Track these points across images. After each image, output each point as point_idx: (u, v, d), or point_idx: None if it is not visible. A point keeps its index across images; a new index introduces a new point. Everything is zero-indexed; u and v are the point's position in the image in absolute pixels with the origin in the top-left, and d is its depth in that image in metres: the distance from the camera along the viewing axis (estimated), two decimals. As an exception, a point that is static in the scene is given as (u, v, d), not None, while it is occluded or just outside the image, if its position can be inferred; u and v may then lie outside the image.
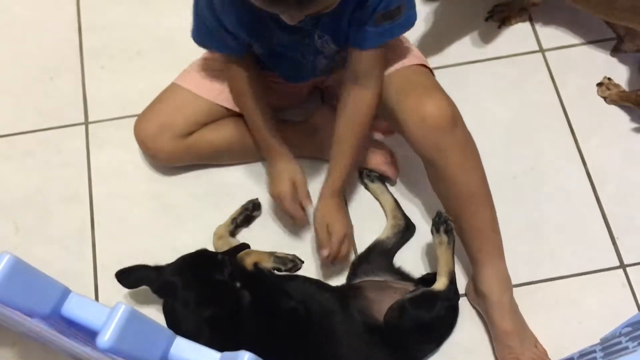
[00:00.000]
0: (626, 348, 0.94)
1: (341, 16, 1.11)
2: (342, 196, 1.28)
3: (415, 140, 1.16)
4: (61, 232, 1.34)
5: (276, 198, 1.27)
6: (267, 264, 1.16)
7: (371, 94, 1.19)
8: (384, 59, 1.21)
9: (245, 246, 1.22)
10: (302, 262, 1.20)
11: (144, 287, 1.20)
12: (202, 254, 1.21)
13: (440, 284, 1.18)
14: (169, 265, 1.18)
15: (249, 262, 1.16)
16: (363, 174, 1.38)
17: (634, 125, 1.45)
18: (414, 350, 1.20)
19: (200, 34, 1.20)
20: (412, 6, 1.16)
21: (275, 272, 1.17)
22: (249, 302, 1.12)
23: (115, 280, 1.24)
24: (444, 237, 1.17)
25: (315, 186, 1.32)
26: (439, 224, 1.17)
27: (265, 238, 1.33)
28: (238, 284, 1.14)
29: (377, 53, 1.17)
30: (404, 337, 1.16)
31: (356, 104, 1.20)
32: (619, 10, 1.36)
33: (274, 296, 1.15)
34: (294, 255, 1.19)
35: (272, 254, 1.18)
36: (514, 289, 1.25)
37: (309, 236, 1.33)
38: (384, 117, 1.27)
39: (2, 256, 0.56)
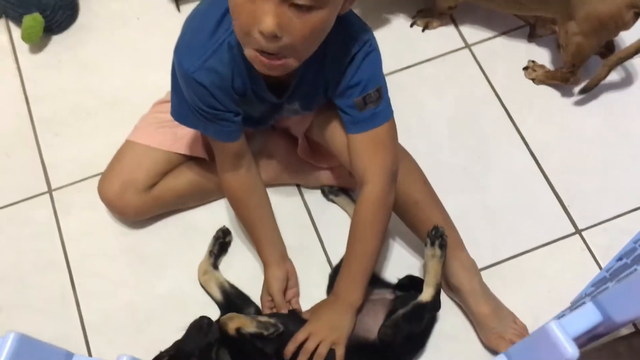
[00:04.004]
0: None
1: (316, 86, 1.10)
2: (353, 312, 1.17)
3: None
4: (44, 301, 1.34)
5: (266, 301, 1.29)
6: (250, 328, 1.14)
7: (375, 190, 1.12)
8: (384, 148, 1.12)
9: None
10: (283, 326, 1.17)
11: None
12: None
13: (427, 294, 1.19)
14: None
15: (231, 327, 1.14)
16: (325, 191, 1.42)
17: (565, 100, 1.54)
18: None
19: (188, 119, 1.14)
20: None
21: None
22: None
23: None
24: (438, 251, 1.19)
25: (283, 209, 1.37)
26: (435, 237, 1.19)
27: (244, 263, 1.37)
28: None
29: (370, 138, 1.10)
30: (396, 352, 1.19)
31: (358, 204, 1.15)
32: (524, 4, 1.45)
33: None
34: (275, 319, 1.17)
35: (254, 318, 1.17)
36: (482, 272, 1.31)
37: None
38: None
39: (7, 335, 0.59)
